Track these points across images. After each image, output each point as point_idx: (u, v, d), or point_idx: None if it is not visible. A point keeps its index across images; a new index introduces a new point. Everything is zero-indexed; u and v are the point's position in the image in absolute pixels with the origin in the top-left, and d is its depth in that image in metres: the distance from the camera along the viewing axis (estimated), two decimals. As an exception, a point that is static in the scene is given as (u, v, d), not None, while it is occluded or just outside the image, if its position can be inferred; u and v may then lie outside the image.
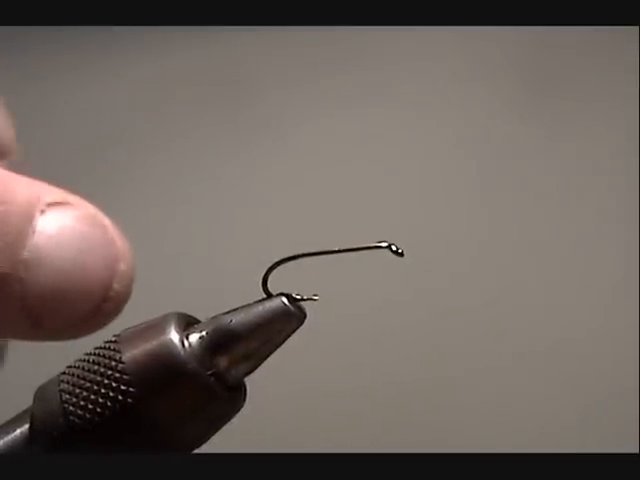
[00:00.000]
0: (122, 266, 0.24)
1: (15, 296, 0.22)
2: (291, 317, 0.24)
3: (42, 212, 0.22)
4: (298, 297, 0.25)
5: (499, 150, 0.92)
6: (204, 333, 0.24)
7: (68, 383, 0.24)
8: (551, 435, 0.67)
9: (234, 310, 0.25)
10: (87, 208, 0.24)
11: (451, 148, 0.91)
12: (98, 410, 0.23)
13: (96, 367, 0.24)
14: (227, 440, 0.27)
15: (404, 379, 0.71)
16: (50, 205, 0.23)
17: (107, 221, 0.24)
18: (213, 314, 0.25)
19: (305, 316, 0.25)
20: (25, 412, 0.25)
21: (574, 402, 0.69)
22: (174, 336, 0.24)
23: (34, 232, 0.22)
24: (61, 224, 0.22)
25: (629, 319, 0.73)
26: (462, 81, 1.00)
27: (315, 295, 0.25)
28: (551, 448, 0.65)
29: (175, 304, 0.27)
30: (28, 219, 0.22)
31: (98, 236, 0.23)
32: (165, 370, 0.23)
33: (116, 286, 0.24)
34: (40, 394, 0.25)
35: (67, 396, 0.24)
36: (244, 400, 0.25)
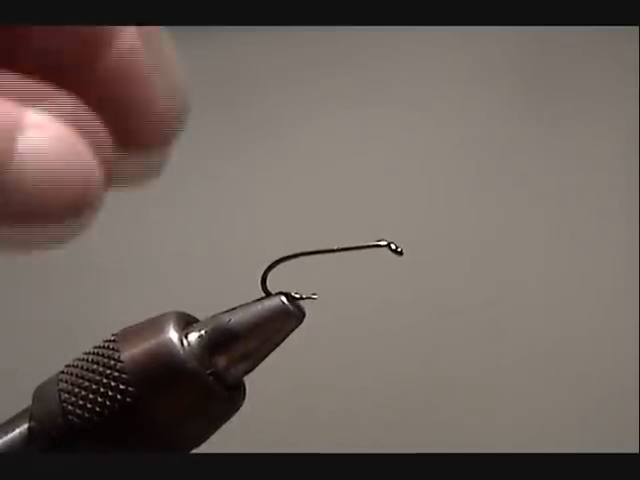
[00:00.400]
0: (97, 178, 0.24)
1: None
2: (290, 316, 0.24)
3: (22, 131, 0.22)
4: (297, 296, 0.25)
5: (499, 150, 0.92)
6: (203, 332, 0.24)
7: (67, 382, 0.24)
8: (551, 435, 0.67)
9: (233, 309, 0.25)
10: (63, 128, 0.23)
11: (451, 148, 0.91)
12: (97, 409, 0.23)
13: (95, 366, 0.24)
14: (226, 440, 0.27)
15: (403, 378, 0.71)
16: (29, 124, 0.23)
17: (84, 141, 0.24)
18: (212, 313, 0.25)
19: (304, 315, 0.25)
20: (24, 412, 0.25)
21: (574, 402, 0.69)
22: (173, 335, 0.24)
23: (15, 152, 0.22)
24: (39, 143, 0.22)
25: (629, 319, 0.73)
26: (462, 81, 1.00)
27: (314, 294, 0.25)
28: (551, 448, 0.65)
29: (174, 303, 0.27)
30: (9, 139, 0.22)
31: (74, 155, 0.23)
32: (164, 369, 0.23)
33: (86, 199, 0.24)
34: (39, 394, 0.25)
35: (66, 395, 0.24)
36: (243, 399, 0.25)
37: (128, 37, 0.24)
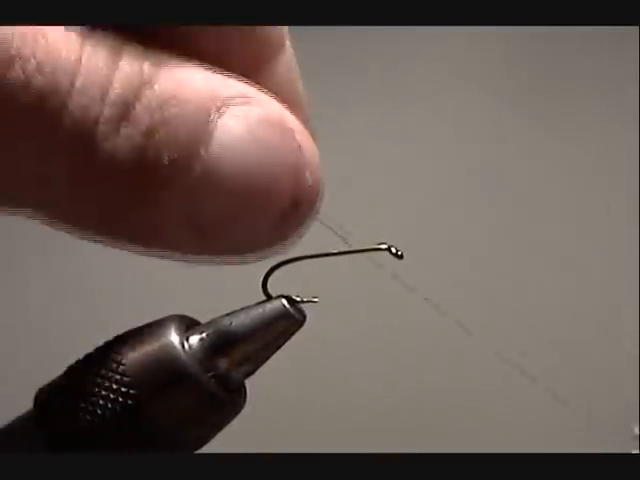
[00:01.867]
0: (308, 177, 0.20)
1: (179, 210, 0.19)
2: (291, 319, 0.24)
3: (219, 112, 0.18)
4: (298, 299, 0.25)
5: (499, 151, 0.92)
6: (204, 335, 0.24)
7: (69, 384, 0.24)
8: (551, 435, 0.67)
9: (234, 312, 0.25)
10: (271, 106, 0.19)
11: (451, 149, 0.91)
12: (99, 411, 0.23)
13: (97, 368, 0.24)
14: (226, 440, 0.27)
15: (404, 380, 0.71)
16: (227, 103, 0.18)
17: (294, 123, 0.20)
18: (213, 316, 0.25)
19: (305, 318, 0.25)
20: (27, 414, 0.25)
21: (574, 402, 0.69)
22: (174, 338, 0.24)
23: (210, 138, 0.18)
24: (239, 128, 0.18)
25: (629, 319, 0.73)
26: (462, 81, 1.00)
27: (315, 297, 0.25)
28: (551, 448, 0.65)
29: (175, 306, 0.27)
30: (203, 123, 0.18)
31: (284, 142, 0.19)
32: (165, 372, 0.23)
33: (299, 200, 0.20)
34: (41, 396, 0.25)
35: (68, 397, 0.24)
36: (244, 402, 0.25)
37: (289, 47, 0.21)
